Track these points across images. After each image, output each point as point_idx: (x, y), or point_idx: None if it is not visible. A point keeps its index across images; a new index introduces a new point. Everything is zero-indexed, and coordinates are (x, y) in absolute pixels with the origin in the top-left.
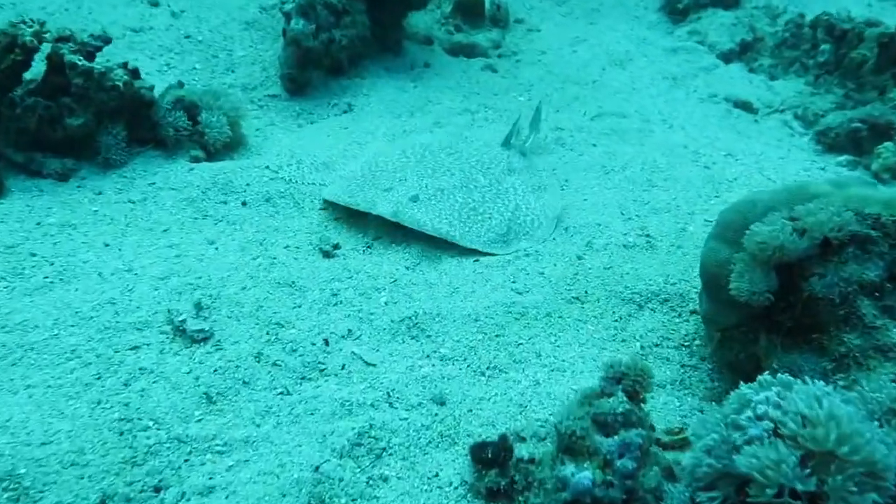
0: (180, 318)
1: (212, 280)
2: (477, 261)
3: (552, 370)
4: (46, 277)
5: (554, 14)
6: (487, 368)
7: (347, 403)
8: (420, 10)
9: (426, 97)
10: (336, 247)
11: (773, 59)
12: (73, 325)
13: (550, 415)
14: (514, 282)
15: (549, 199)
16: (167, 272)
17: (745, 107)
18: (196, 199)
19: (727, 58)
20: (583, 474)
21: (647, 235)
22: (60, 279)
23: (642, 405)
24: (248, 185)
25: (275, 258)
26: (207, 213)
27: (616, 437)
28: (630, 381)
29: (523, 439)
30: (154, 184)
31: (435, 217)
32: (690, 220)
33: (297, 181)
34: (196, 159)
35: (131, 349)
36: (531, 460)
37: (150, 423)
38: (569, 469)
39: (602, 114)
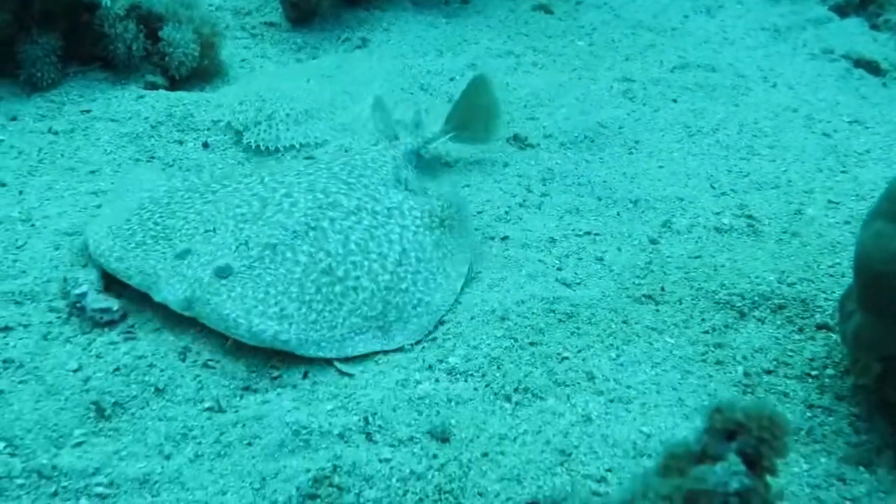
0: (79, 291)
1: None
2: (506, 238)
3: (611, 400)
4: None
5: None
6: (515, 391)
7: (304, 431)
8: None
9: (461, 35)
10: None
11: None
12: None
13: (608, 470)
14: (560, 269)
15: (455, 242)
16: (79, 226)
17: (870, 67)
18: (142, 136)
19: (843, 10)
20: None
21: (749, 217)
22: None
23: (770, 480)
24: (215, 122)
25: None
26: (155, 154)
27: None
28: (752, 439)
29: None
30: (89, 112)
31: (255, 306)
32: (809, 200)
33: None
34: (152, 86)
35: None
36: None
37: (0, 445)
38: None
39: (685, 65)
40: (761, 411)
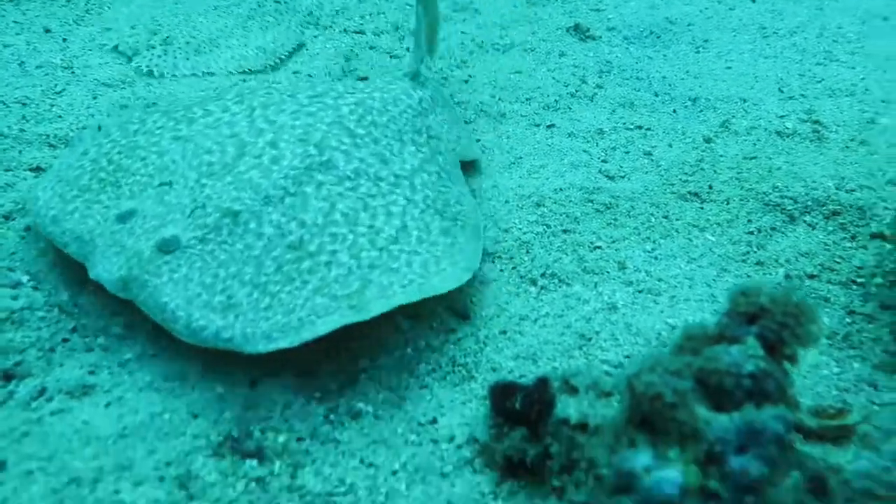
0: None
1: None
2: (552, 126)
3: (640, 291)
4: None
5: None
6: (542, 276)
7: None
8: None
9: None
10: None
11: None
12: None
13: (626, 357)
14: (604, 160)
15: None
16: (119, 78)
17: None
18: None
19: None
20: (666, 473)
21: (816, 122)
22: None
23: (789, 367)
24: None
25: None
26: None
27: (736, 416)
28: (773, 324)
29: (575, 390)
30: None
31: (198, 294)
32: (885, 109)
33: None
34: None
35: (31, 170)
36: (581, 426)
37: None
38: (642, 458)
39: None
40: (788, 297)
